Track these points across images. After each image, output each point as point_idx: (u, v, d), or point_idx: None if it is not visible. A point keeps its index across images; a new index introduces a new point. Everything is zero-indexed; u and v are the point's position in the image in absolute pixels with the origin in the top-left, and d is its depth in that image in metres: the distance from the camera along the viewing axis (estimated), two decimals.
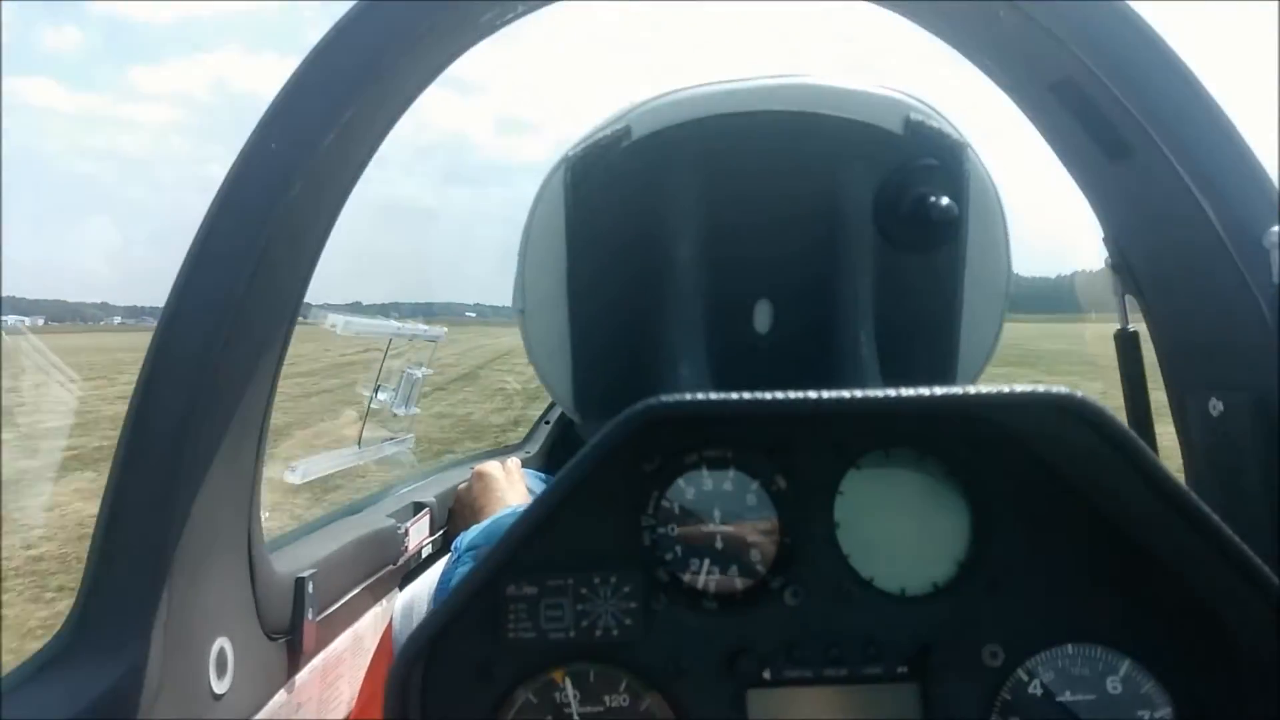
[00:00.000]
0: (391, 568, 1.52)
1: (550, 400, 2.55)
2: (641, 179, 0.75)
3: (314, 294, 0.99)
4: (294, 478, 1.56)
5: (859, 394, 0.53)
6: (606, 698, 0.61)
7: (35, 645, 0.84)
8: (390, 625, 0.83)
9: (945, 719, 0.61)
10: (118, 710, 0.77)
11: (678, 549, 0.62)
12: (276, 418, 1.00)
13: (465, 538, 0.84)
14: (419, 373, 1.91)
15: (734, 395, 0.52)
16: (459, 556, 0.81)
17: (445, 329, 2.07)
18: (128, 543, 0.81)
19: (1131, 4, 0.82)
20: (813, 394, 0.52)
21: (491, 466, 1.74)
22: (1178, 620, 0.62)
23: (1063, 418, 0.54)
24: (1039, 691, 0.61)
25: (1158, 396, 0.97)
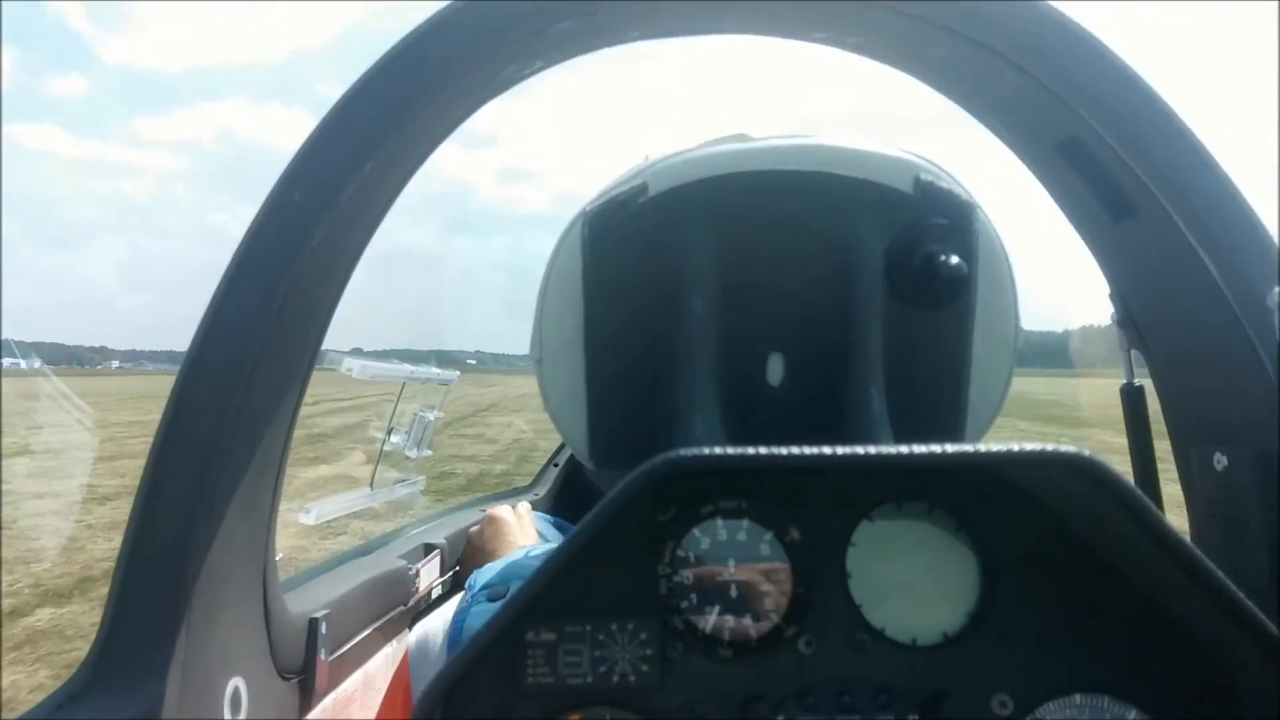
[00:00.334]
0: (402, 608, 1.53)
1: (558, 444, 2.56)
2: (657, 235, 0.77)
3: None
4: (308, 519, 1.57)
5: (874, 450, 0.54)
6: None
7: None
8: (403, 663, 0.84)
9: None
10: None
11: (693, 597, 0.63)
12: None
13: (480, 576, 0.85)
14: (431, 415, 1.92)
15: (751, 450, 0.54)
16: (473, 595, 0.82)
17: (457, 373, 2.09)
18: (146, 584, 0.82)
19: (1134, 67, 0.84)
20: (828, 450, 0.54)
21: (503, 510, 1.76)
22: (1183, 672, 0.63)
23: (1071, 475, 0.55)
24: None
25: (1161, 448, 0.99)
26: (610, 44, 0.92)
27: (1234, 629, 0.56)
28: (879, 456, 0.54)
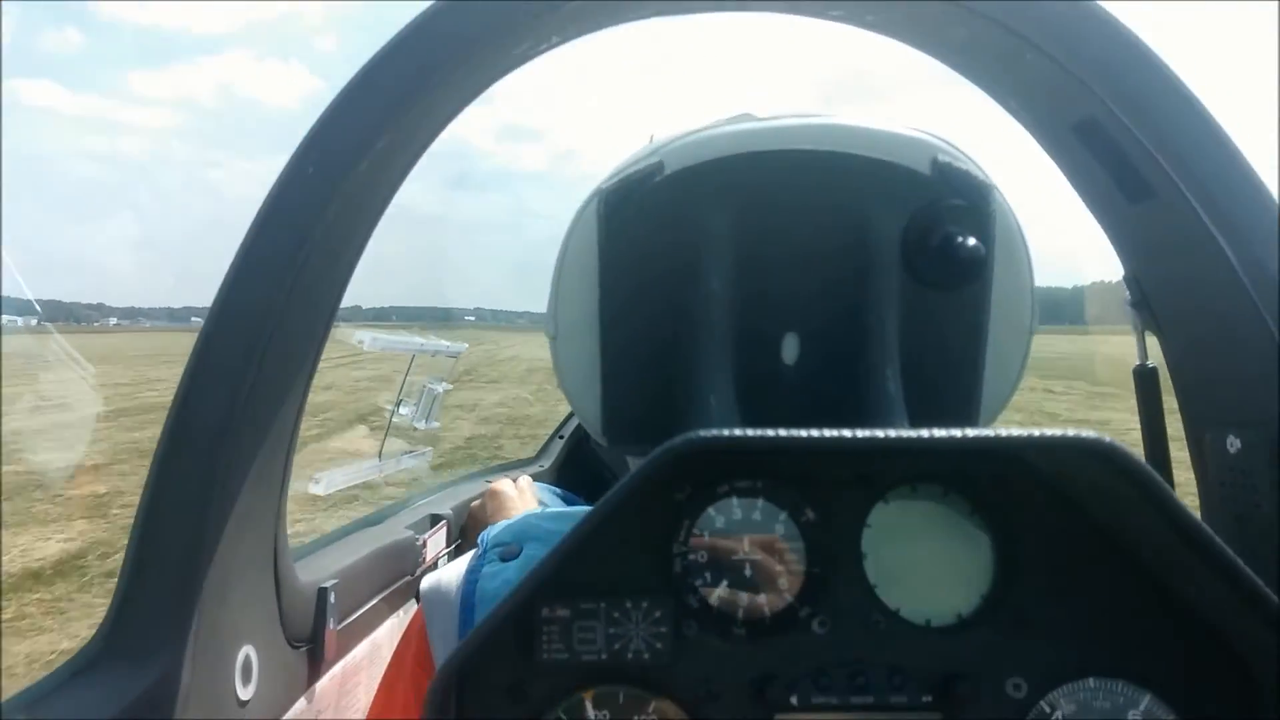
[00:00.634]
0: (409, 578, 1.55)
1: (565, 415, 2.58)
2: (673, 213, 0.77)
3: None
4: (318, 489, 1.58)
5: (893, 433, 0.54)
6: (636, 719, 0.63)
7: None
8: (412, 624, 0.85)
9: None
10: (148, 715, 0.79)
11: (708, 576, 0.64)
12: None
13: (491, 532, 0.86)
14: (439, 387, 1.93)
15: (770, 431, 0.54)
16: (484, 552, 0.83)
17: (465, 344, 2.09)
18: (161, 553, 0.83)
19: (1152, 47, 0.84)
20: (846, 432, 0.54)
21: (504, 484, 1.78)
22: (1198, 655, 0.63)
23: (1088, 460, 0.55)
24: None
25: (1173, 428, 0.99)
26: (625, 20, 0.91)
27: (1249, 614, 0.57)
28: (898, 439, 0.55)
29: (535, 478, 2.00)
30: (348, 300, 1.01)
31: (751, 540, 0.64)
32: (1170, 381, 0.98)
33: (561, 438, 2.55)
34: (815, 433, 0.54)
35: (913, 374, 0.77)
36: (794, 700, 0.62)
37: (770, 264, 0.77)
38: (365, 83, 0.82)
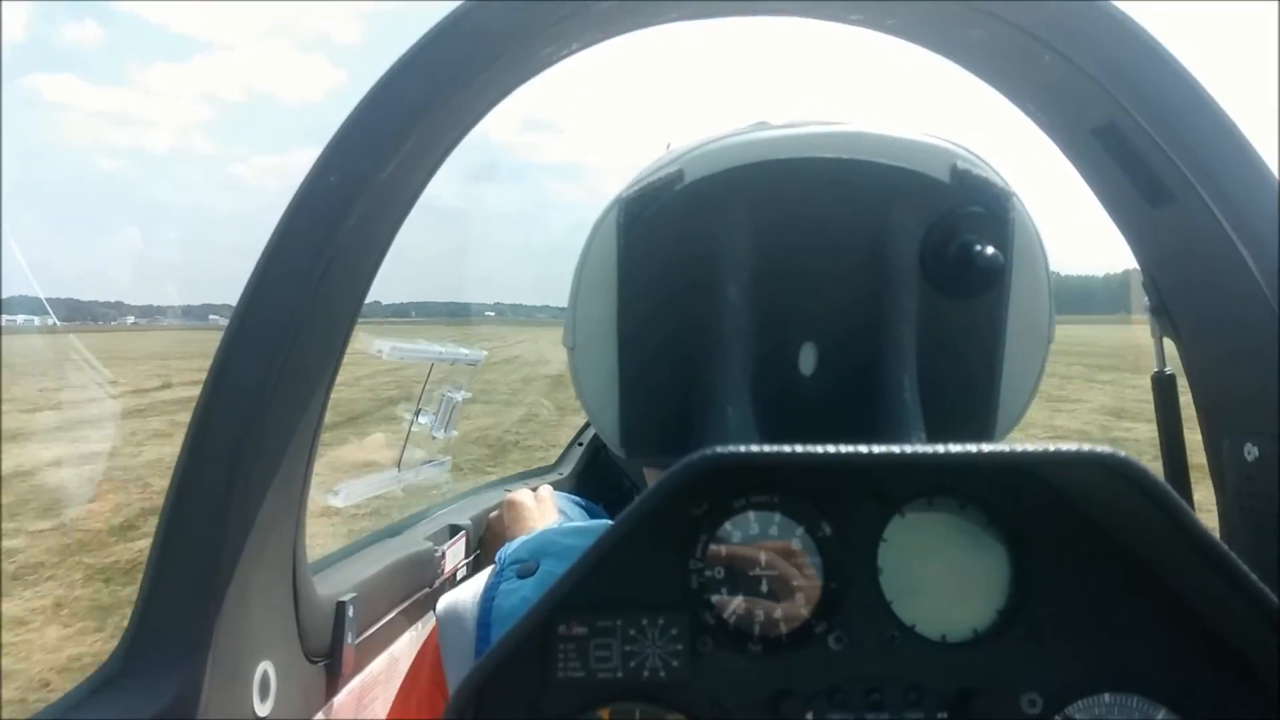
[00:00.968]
0: (428, 590, 1.55)
1: (583, 423, 2.58)
2: (693, 222, 0.76)
3: None
4: (337, 501, 1.59)
5: (910, 450, 0.54)
6: None
7: None
8: (429, 640, 0.85)
9: None
10: None
11: (723, 591, 0.63)
12: None
13: (509, 549, 0.86)
14: (458, 396, 1.93)
15: (788, 448, 0.54)
16: (502, 569, 0.83)
17: (485, 352, 2.09)
18: (180, 569, 0.83)
19: (1173, 52, 0.83)
20: (864, 448, 0.53)
21: (522, 495, 1.78)
22: (1214, 670, 0.63)
23: (1103, 475, 0.55)
24: None
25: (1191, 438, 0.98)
26: (647, 24, 0.91)
27: (1266, 630, 0.56)
28: (915, 455, 0.54)
29: (555, 486, 2.00)
30: (369, 296, 1.01)
31: (768, 555, 0.64)
32: (1189, 388, 0.97)
33: (580, 445, 2.55)
34: (833, 449, 0.54)
35: (929, 383, 0.76)
36: (809, 717, 0.62)
37: (788, 273, 0.77)
38: (390, 89, 0.82)
